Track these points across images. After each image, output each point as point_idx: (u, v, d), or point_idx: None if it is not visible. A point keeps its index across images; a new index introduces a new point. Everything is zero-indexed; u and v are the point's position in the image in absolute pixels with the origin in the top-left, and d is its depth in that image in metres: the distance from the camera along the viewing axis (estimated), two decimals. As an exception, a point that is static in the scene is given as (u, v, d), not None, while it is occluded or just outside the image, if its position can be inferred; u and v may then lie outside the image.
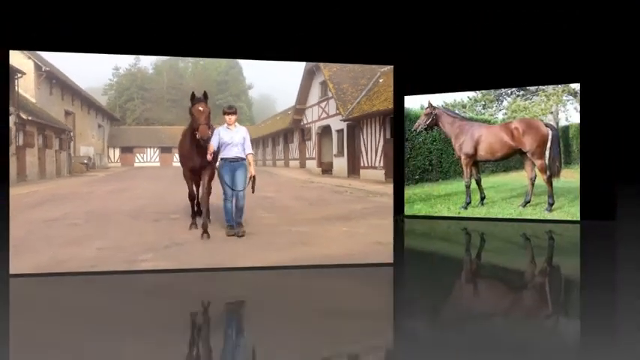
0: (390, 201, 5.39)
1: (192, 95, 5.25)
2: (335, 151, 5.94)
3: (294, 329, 3.61)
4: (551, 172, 8.21)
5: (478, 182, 8.65)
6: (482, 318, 3.83)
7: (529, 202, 8.40)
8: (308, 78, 5.77)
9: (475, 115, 8.82)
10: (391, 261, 5.21)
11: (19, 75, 5.01)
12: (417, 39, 9.10)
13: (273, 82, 5.51)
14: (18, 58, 4.99)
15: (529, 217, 8.34)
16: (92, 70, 5.14)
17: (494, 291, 4.77)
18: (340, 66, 5.62)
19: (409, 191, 9.15)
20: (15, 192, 4.92)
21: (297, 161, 5.96)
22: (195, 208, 5.41)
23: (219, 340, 3.55)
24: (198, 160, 5.32)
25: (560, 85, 8.38)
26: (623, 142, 8.74)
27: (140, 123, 5.46)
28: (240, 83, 5.55)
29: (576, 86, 8.30)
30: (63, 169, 5.37)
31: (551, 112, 8.38)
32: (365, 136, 5.86)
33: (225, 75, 5.60)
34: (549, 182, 8.23)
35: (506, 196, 8.64)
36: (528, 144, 8.21)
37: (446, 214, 8.77)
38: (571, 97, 8.30)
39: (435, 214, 8.84)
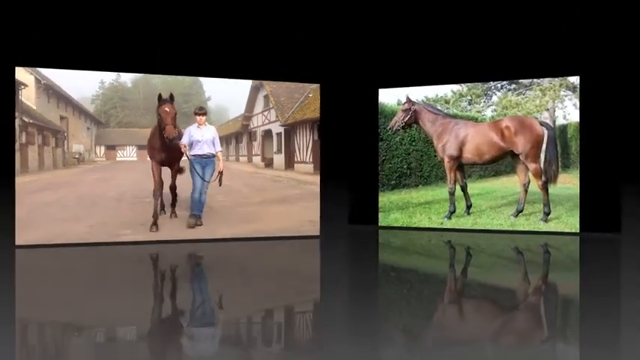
0: (317, 188, 6.58)
1: (159, 96, 5.83)
2: (275, 149, 6.80)
3: (247, 284, 4.36)
4: (547, 177, 6.86)
5: (464, 188, 7.22)
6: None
7: (522, 211, 7.00)
8: (254, 92, 6.62)
9: (460, 112, 7.38)
10: (318, 234, 6.42)
11: (23, 87, 5.77)
12: (394, 23, 7.64)
13: (227, 95, 6.41)
14: (21, 73, 5.76)
15: (522, 229, 6.94)
16: (82, 84, 5.96)
17: (478, 312, 3.80)
18: (279, 83, 6.61)
19: (384, 198, 7.58)
20: (19, 180, 5.72)
21: (246, 157, 6.70)
22: (158, 208, 5.97)
23: (186, 293, 4.27)
24: (166, 155, 6.00)
25: (557, 79, 7.02)
26: (629, 143, 7.15)
27: (121, 126, 6.18)
28: (201, 95, 6.36)
29: (575, 80, 6.93)
30: (58, 162, 6.06)
31: (547, 109, 7.05)
32: (298, 138, 6.76)
33: (189, 89, 6.36)
34: (545, 189, 6.86)
35: (496, 204, 7.25)
36: (521, 145, 6.87)
37: (427, 225, 7.29)
38: (569, 92, 6.97)
39: (414, 225, 7.35)
